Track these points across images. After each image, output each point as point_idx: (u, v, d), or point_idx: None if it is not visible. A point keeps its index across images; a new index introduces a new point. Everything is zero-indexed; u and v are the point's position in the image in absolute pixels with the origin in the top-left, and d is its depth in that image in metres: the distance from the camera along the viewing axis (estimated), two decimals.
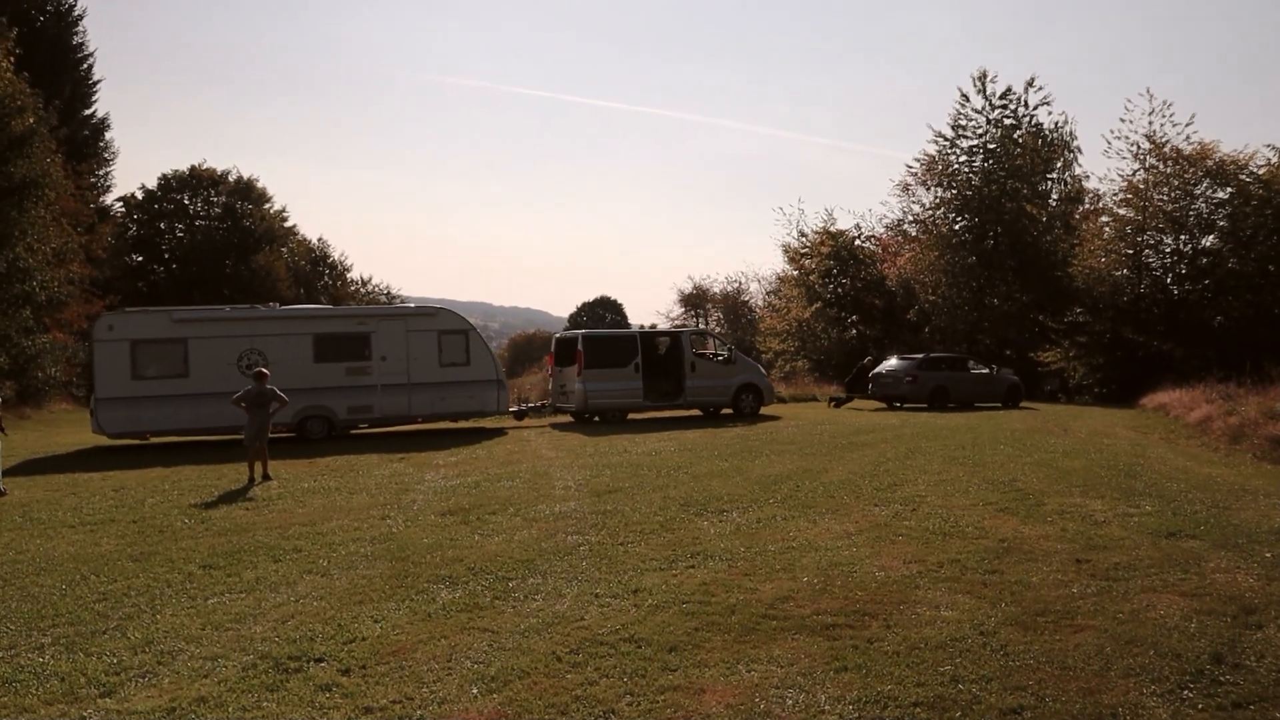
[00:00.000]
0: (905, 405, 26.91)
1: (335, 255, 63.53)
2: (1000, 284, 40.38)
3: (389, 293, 68.44)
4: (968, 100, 39.56)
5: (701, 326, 31.17)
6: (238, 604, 7.03)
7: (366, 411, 20.09)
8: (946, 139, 40.23)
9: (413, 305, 21.45)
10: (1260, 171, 38.74)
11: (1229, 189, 38.73)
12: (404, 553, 8.57)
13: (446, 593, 7.12)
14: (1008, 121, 39.48)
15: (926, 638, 5.64)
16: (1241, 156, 38.99)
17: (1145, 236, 40.37)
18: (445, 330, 20.74)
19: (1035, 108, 39.23)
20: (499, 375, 21.50)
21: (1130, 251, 40.82)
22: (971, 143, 39.93)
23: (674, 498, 11.11)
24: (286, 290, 52.99)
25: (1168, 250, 40.62)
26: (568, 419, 23.67)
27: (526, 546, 8.65)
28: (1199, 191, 39.51)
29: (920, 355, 28.74)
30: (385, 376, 20.10)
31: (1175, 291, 40.30)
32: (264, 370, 14.61)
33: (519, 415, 24.00)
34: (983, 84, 39.31)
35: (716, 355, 24.39)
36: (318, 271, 61.82)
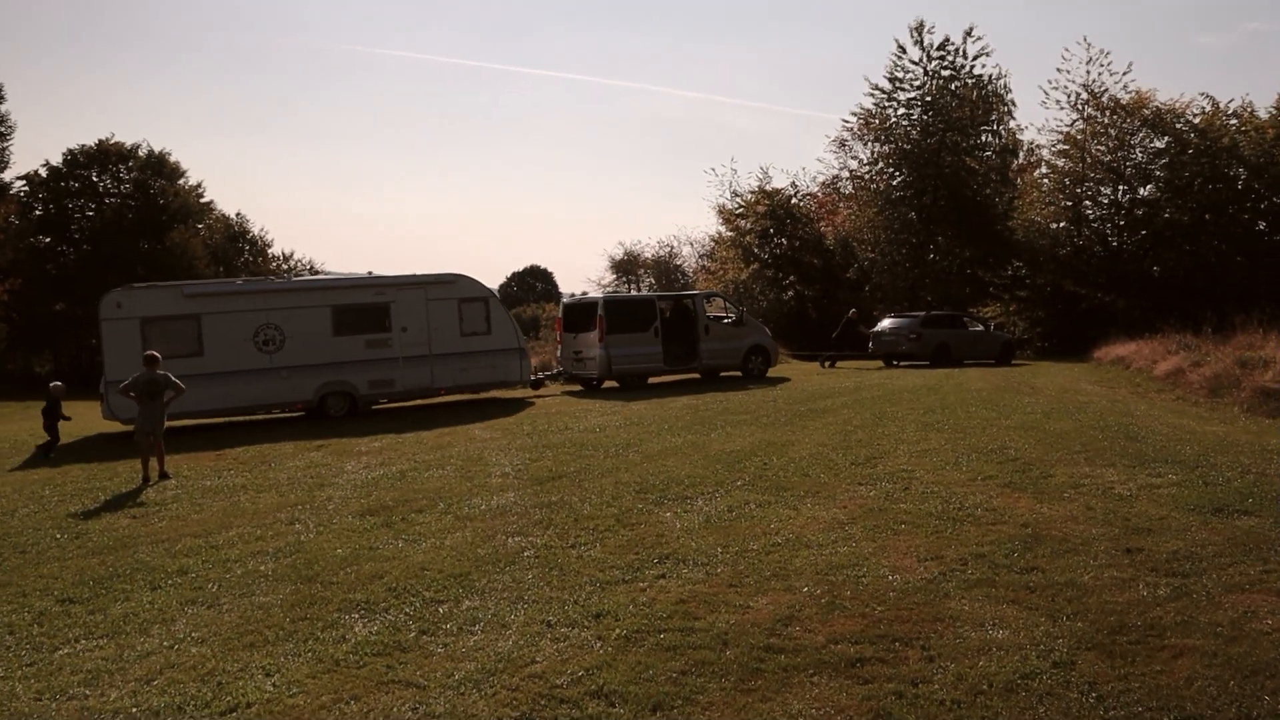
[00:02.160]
0: (903, 363, 26.63)
1: (255, 231, 60.64)
2: (941, 239, 39.69)
3: (311, 267, 65.80)
4: (904, 52, 38.51)
5: (712, 289, 29.80)
6: (94, 655, 5.51)
7: (389, 385, 18.95)
8: (884, 92, 39.20)
9: (431, 273, 19.83)
10: (1196, 120, 38.56)
11: (1165, 138, 38.47)
12: (312, 569, 7.07)
13: (361, 626, 5.68)
14: (946, 73, 38.56)
15: (987, 675, 4.39)
16: (1178, 105, 38.74)
17: (1084, 188, 39.99)
18: (465, 298, 19.66)
19: (974, 59, 38.34)
20: (521, 343, 20.56)
21: (1069, 203, 40.43)
22: (909, 95, 38.95)
23: (627, 483, 9.76)
24: (205, 268, 50.37)
25: (1106, 201, 40.36)
26: (576, 387, 22.84)
27: (460, 555, 7.22)
28: (1136, 141, 39.20)
29: (921, 313, 28.41)
30: (406, 348, 18.97)
31: (1114, 243, 40.10)
32: (155, 354, 12.82)
33: (536, 384, 22.59)
34: (920, 35, 38.29)
35: (726, 317, 23.72)
36: (236, 248, 58.97)
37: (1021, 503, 7.78)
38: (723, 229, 46.81)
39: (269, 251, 61.67)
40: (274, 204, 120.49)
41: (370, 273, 20.03)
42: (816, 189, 46.65)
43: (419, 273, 19.83)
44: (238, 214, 59.97)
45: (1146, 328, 30.26)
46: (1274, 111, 39.67)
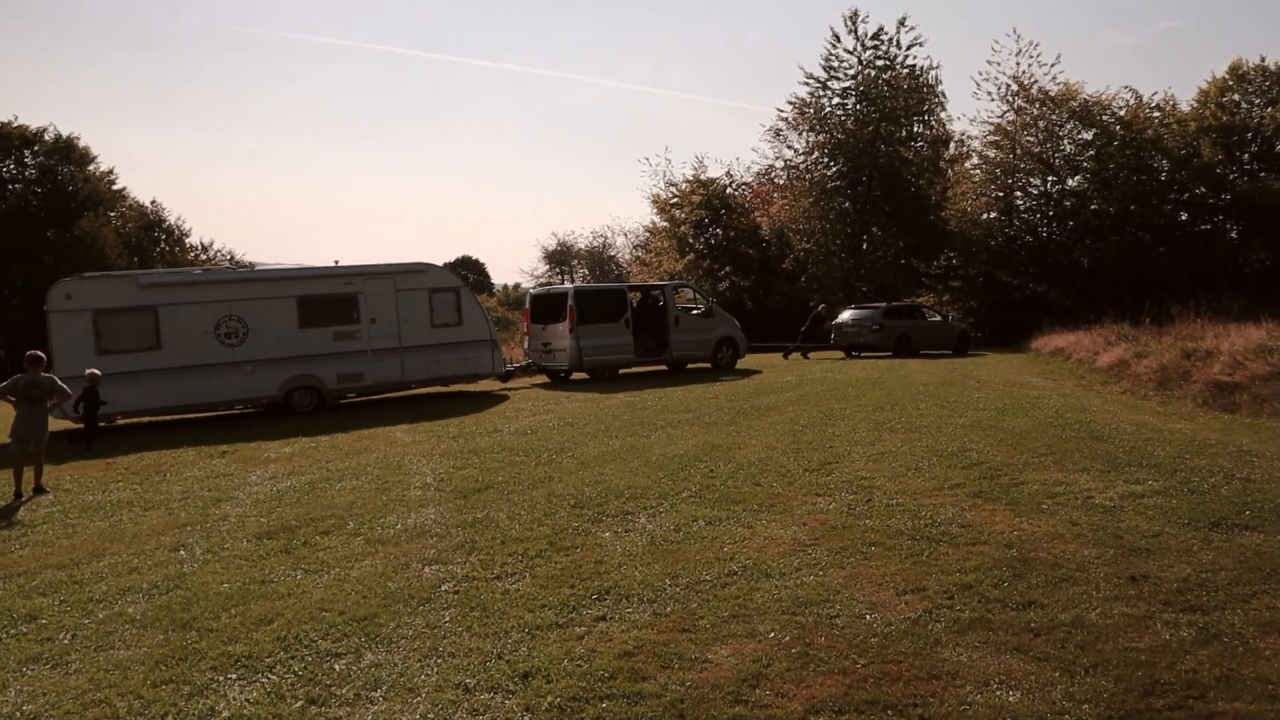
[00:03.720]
0: (865, 354, 26.96)
1: (171, 220, 58.00)
2: (876, 229, 39.44)
3: (232, 257, 63.29)
4: (839, 40, 38.09)
5: (680, 280, 29.15)
6: None
7: (357, 379, 18.34)
8: (818, 81, 38.74)
9: (400, 262, 19.09)
10: (1121, 112, 38.96)
11: (1092, 130, 38.81)
12: (190, 612, 6.00)
13: (237, 692, 4.67)
14: (880, 63, 38.22)
15: None
16: (1105, 97, 39.11)
17: (1014, 178, 40.17)
18: (436, 288, 19.13)
19: (908, 48, 38.04)
20: (492, 335, 20.01)
21: (1000, 194, 40.60)
22: (844, 84, 38.56)
23: (561, 495, 8.83)
24: (117, 258, 48.05)
25: (1036, 192, 40.59)
26: (543, 379, 22.42)
27: (367, 589, 6.22)
28: (1064, 133, 39.50)
29: (883, 305, 28.58)
30: (376, 340, 18.39)
31: (1044, 233, 40.34)
32: (39, 354, 11.43)
33: (504, 377, 21.74)
34: (854, 24, 37.88)
35: (696, 309, 23.43)
36: (152, 238, 56.33)
37: (998, 517, 7.04)
38: (657, 219, 46.06)
39: (186, 241, 59.17)
40: (194, 193, 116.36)
41: (336, 262, 18.95)
42: (751, 179, 46.13)
43: (388, 261, 18.96)
44: (153, 202, 57.33)
45: (1078, 318, 30.42)
46: (1195, 105, 40.39)
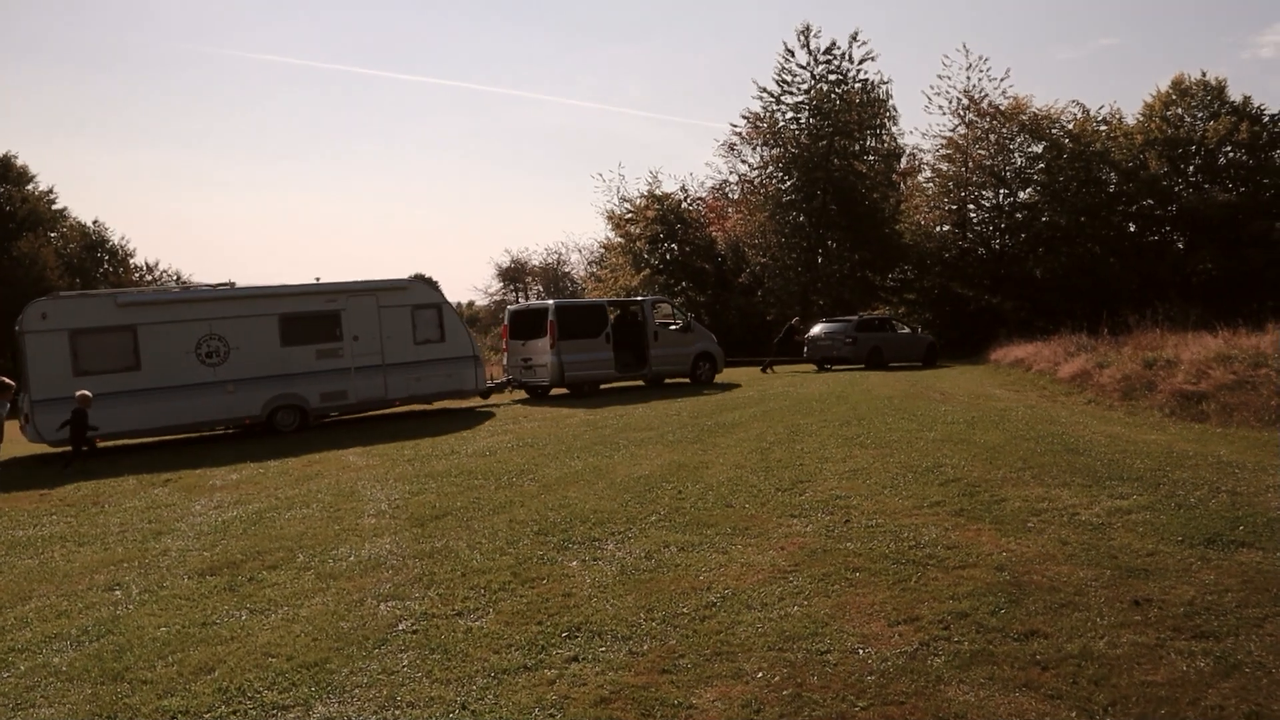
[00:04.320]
0: (836, 367, 27.32)
1: (115, 240, 56.41)
2: (831, 243, 39.52)
3: (178, 278, 61.86)
4: (792, 55, 38.24)
5: (658, 295, 28.92)
6: None
7: (341, 398, 18.01)
8: (772, 95, 38.84)
9: (382, 279, 18.80)
10: (1070, 126, 39.51)
11: (1042, 143, 39.29)
12: (122, 661, 5.50)
13: None
14: (833, 77, 38.38)
15: None
16: (1053, 111, 39.63)
17: (967, 191, 40.52)
18: (418, 305, 18.86)
19: (860, 63, 38.27)
20: (475, 351, 19.76)
21: (954, 207, 40.91)
22: (797, 99, 38.67)
23: (523, 521, 8.41)
24: (58, 280, 46.66)
25: (988, 205, 40.98)
26: (522, 395, 22.28)
27: (317, 630, 5.75)
28: (1015, 146, 39.94)
29: (854, 318, 28.99)
30: (358, 358, 18.10)
31: (997, 245, 40.72)
32: (7, 381, 10.84)
33: (485, 393, 21.21)
34: (806, 39, 38.05)
35: (674, 324, 23.28)
36: (95, 258, 54.81)
37: (984, 537, 6.76)
38: (612, 235, 45.75)
39: (130, 261, 57.69)
40: (142, 214, 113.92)
41: (318, 279, 18.45)
42: (706, 194, 46.05)
43: (370, 278, 18.63)
44: (95, 222, 55.75)
45: (1033, 328, 30.67)
46: (1141, 118, 41.12)
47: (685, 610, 5.61)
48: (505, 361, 22.78)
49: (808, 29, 37.81)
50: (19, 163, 49.95)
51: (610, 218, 44.80)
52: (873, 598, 5.60)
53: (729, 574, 6.30)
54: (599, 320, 21.50)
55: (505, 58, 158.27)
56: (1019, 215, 39.91)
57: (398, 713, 4.46)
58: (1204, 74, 39.67)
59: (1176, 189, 39.63)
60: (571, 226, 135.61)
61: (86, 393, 14.62)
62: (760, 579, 6.12)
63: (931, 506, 7.83)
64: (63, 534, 9.52)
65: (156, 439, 17.11)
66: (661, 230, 42.30)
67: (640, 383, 22.86)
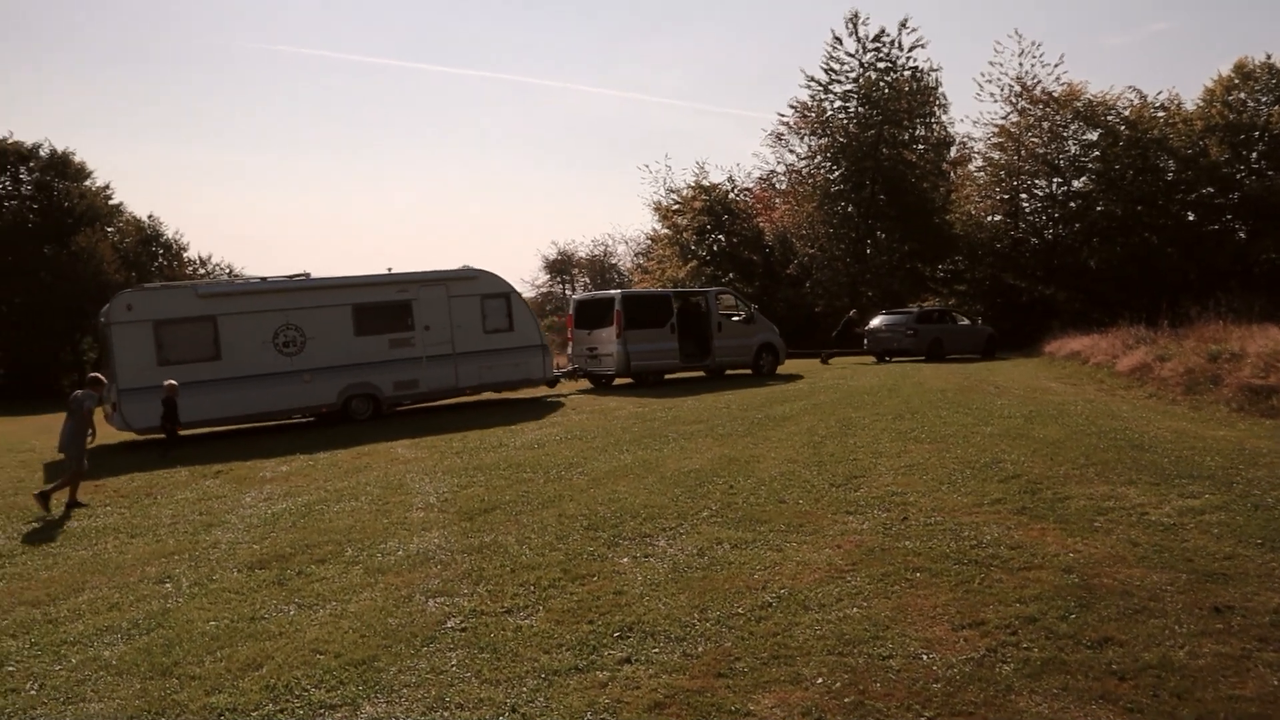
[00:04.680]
0: (895, 359, 27.18)
1: (169, 234, 57.27)
2: (880, 234, 38.97)
3: (231, 270, 62.78)
4: (840, 43, 37.73)
5: (722, 285, 29.00)
6: None
7: (412, 386, 18.27)
8: (820, 84, 38.36)
9: (452, 269, 19.17)
10: (1126, 112, 38.51)
11: (1098, 130, 38.34)
12: (171, 655, 5.47)
13: None
14: (881, 65, 37.80)
15: None
16: (1109, 97, 38.66)
17: (1019, 180, 39.72)
18: (487, 294, 19.09)
19: (910, 50, 37.63)
20: (542, 340, 19.97)
21: (1006, 196, 40.13)
22: (845, 87, 38.16)
23: (573, 516, 8.29)
24: (115, 274, 47.49)
25: (1041, 194, 40.14)
26: (583, 385, 22.52)
27: (365, 626, 5.68)
28: (1069, 134, 39.05)
29: (914, 310, 28.90)
30: (429, 347, 18.33)
31: (1050, 235, 39.88)
32: (99, 376, 11.87)
33: (552, 382, 21.46)
34: (855, 26, 37.51)
35: (736, 315, 23.21)
36: (150, 252, 55.75)
37: (1049, 536, 6.50)
38: (659, 226, 45.57)
39: (184, 255, 58.64)
40: (189, 207, 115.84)
41: (390, 269, 18.75)
42: (754, 185, 45.66)
43: (440, 268, 18.90)
44: (150, 216, 56.51)
45: (1087, 320, 29.95)
46: (1201, 104, 39.92)
47: (740, 611, 5.44)
48: (570, 350, 22.92)
49: (856, 16, 37.29)
50: (77, 159, 51.02)
51: (657, 209, 44.64)
52: (935, 600, 5.39)
53: (784, 573, 6.12)
54: (664, 310, 21.52)
55: (547, 49, 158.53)
56: (1073, 204, 39.03)
57: (446, 714, 4.35)
58: (1269, 56, 38.36)
59: (1238, 176, 38.40)
60: (618, 218, 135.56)
61: (174, 382, 14.99)
62: (817, 578, 5.94)
63: (992, 504, 7.58)
64: (116, 525, 9.59)
65: (233, 427, 17.57)
66: (709, 221, 42.03)
67: (701, 374, 22.88)
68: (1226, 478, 8.01)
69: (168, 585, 7.07)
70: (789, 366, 25.25)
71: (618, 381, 21.85)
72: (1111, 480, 8.13)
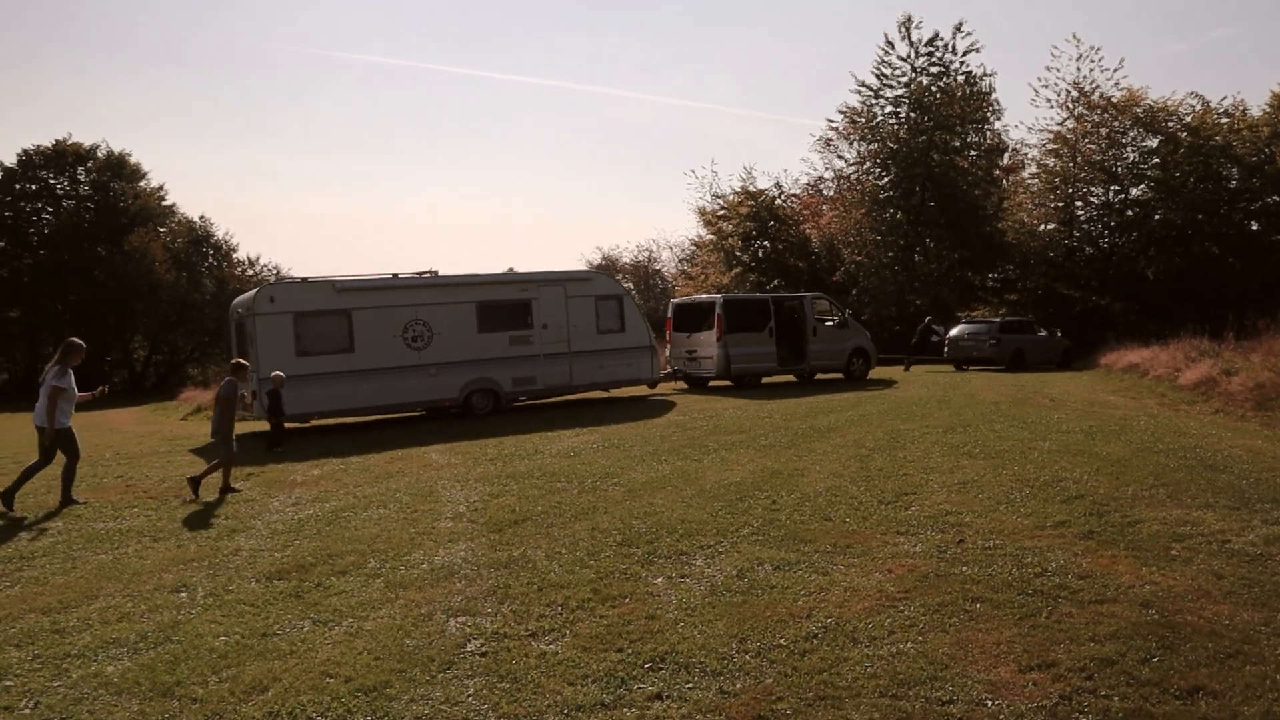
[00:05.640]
0: (975, 367, 27.73)
1: (219, 235, 57.89)
2: (929, 241, 38.15)
3: (278, 271, 63.32)
4: (892, 48, 37.07)
5: (816, 292, 29.01)
6: None
7: (530, 383, 18.80)
8: (870, 89, 37.68)
9: (570, 270, 20.10)
10: (1188, 119, 37.33)
11: (1158, 137, 37.22)
12: (177, 672, 5.15)
13: None
14: (934, 70, 37.04)
15: None
16: (1170, 103, 37.50)
17: (1074, 188, 38.71)
18: (601, 295, 19.74)
19: (964, 54, 36.83)
20: (652, 341, 20.45)
21: (1060, 204, 39.13)
22: (897, 92, 37.48)
23: (606, 530, 7.89)
24: (165, 273, 48.20)
25: (1097, 202, 39.06)
26: (678, 385, 23.15)
27: (381, 647, 5.32)
28: (1127, 140, 37.94)
29: (997, 319, 29.37)
30: (547, 345, 18.88)
31: (1105, 244, 38.80)
32: (241, 361, 12.43)
33: (653, 383, 21.74)
34: (907, 30, 36.80)
35: (830, 319, 23.71)
36: (200, 252, 56.42)
37: (1121, 565, 5.97)
38: (703, 232, 45.13)
39: (234, 256, 59.24)
40: (242, 210, 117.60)
41: (511, 269, 19.28)
42: (800, 191, 45.04)
43: (558, 269, 19.46)
44: (201, 217, 57.23)
45: (1145, 331, 28.97)
46: (1268, 110, 38.53)
47: (782, 642, 5.00)
48: (669, 353, 23.32)
49: (909, 20, 36.60)
50: (132, 160, 51.89)
51: (702, 214, 44.21)
52: (998, 635, 4.90)
53: (831, 599, 5.66)
54: (763, 315, 21.94)
55: (593, 55, 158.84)
56: (1130, 213, 37.93)
57: None
58: None
59: None
60: (662, 223, 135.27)
61: (280, 374, 15.20)
62: (866, 607, 5.47)
63: (1055, 527, 7.05)
64: (140, 528, 9.36)
65: (360, 419, 18.27)
66: (754, 227, 41.51)
67: (793, 378, 23.47)
68: None
69: (183, 595, 6.78)
70: (878, 373, 25.09)
71: (712, 383, 22.32)
72: (1185, 503, 7.55)
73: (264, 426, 16.39)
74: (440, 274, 18.43)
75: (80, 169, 50.23)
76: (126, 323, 48.81)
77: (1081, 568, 5.96)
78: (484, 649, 5.22)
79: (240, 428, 16.74)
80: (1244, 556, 6.06)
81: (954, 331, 28.85)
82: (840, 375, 23.30)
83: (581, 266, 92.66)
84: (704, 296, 23.90)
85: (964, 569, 6.10)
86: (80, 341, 11.16)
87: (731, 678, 4.58)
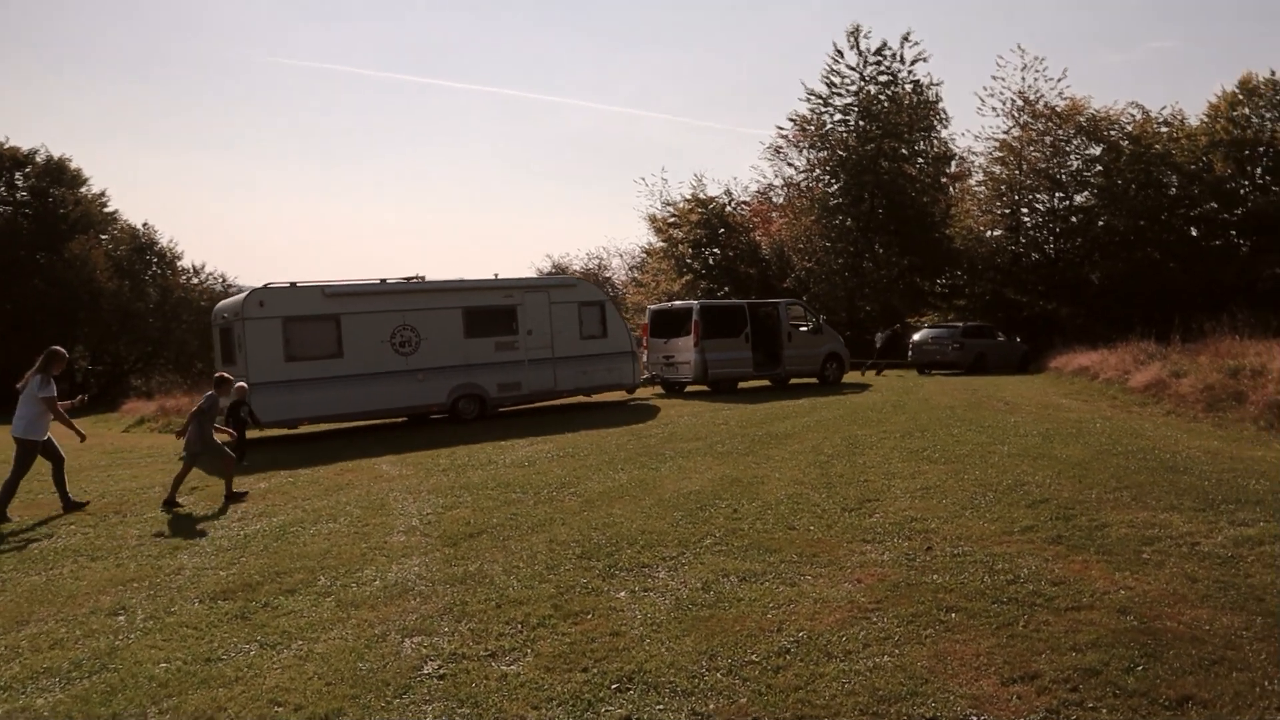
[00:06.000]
0: (938, 371, 28.41)
1: (163, 242, 56.42)
2: (879, 247, 38.47)
3: (224, 280, 61.85)
4: (841, 56, 37.38)
5: (791, 298, 29.03)
6: None
7: (515, 389, 18.85)
8: (820, 97, 37.95)
9: (553, 276, 19.84)
10: (1129, 128, 38.14)
11: (1100, 145, 37.97)
12: (113, 704, 4.84)
13: None
14: (883, 78, 37.40)
15: None
16: (1112, 112, 38.30)
17: (1020, 195, 39.31)
18: (584, 301, 19.87)
19: (912, 63, 37.26)
20: (633, 347, 20.62)
21: (1006, 210, 39.72)
22: (846, 101, 37.75)
23: (565, 542, 7.66)
24: (107, 281, 46.91)
25: (1042, 209, 39.73)
26: (656, 390, 23.50)
27: (331, 674, 5.04)
28: (1071, 148, 38.67)
29: (959, 325, 30.31)
30: (531, 351, 18.94)
31: (1051, 250, 39.44)
32: (225, 376, 12.43)
33: (631, 388, 21.82)
34: (856, 40, 37.14)
35: (804, 325, 24.08)
36: (144, 260, 54.97)
37: (1094, 571, 5.89)
38: (654, 239, 45.04)
39: (178, 264, 57.83)
40: (181, 216, 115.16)
41: (496, 275, 19.21)
42: (750, 199, 45.17)
43: (541, 275, 19.55)
44: (145, 225, 55.76)
45: (1091, 335, 29.50)
46: (1205, 119, 39.51)
47: (754, 658, 4.81)
48: (646, 358, 23.48)
49: (858, 30, 36.94)
50: (73, 166, 50.46)
51: (652, 221, 44.11)
52: (977, 646, 4.77)
53: (801, 612, 5.50)
54: (740, 320, 22.28)
55: (541, 64, 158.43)
56: (1074, 219, 38.68)
57: None
58: (1273, 73, 38.01)
59: (1242, 191, 38.05)
60: (613, 232, 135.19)
61: (244, 384, 14.68)
62: (839, 619, 5.31)
63: (1023, 532, 6.97)
64: (78, 547, 8.93)
65: (350, 424, 18.26)
66: (705, 234, 41.52)
67: (767, 382, 23.72)
68: (1278, 504, 7.40)
69: (121, 618, 6.42)
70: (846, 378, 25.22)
71: (689, 389, 22.64)
72: (1151, 506, 7.53)
73: (274, 433, 16.32)
74: (427, 279, 18.45)
75: (18, 174, 48.73)
76: (67, 332, 47.40)
77: (1054, 574, 5.87)
78: (442, 671, 4.98)
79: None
80: (1215, 559, 6.02)
81: (917, 336, 29.74)
82: (815, 380, 23.61)
83: (531, 275, 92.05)
84: (680, 303, 24.21)
85: (935, 577, 5.97)
86: (63, 350, 10.98)
87: (703, 698, 4.39)
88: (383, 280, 17.82)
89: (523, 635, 5.45)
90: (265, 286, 16.71)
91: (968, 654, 4.67)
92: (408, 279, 18.21)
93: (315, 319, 16.81)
